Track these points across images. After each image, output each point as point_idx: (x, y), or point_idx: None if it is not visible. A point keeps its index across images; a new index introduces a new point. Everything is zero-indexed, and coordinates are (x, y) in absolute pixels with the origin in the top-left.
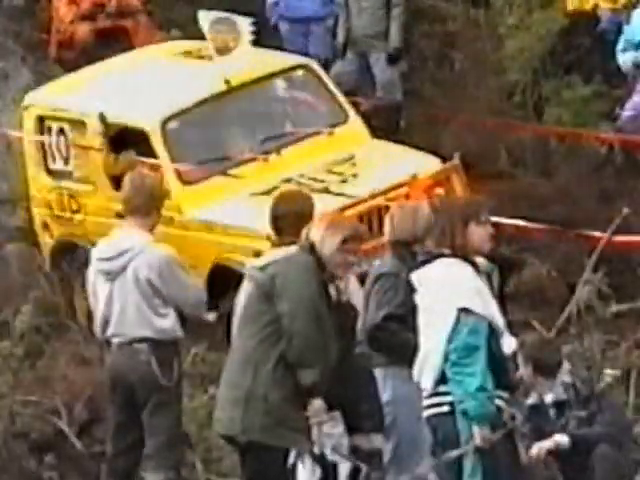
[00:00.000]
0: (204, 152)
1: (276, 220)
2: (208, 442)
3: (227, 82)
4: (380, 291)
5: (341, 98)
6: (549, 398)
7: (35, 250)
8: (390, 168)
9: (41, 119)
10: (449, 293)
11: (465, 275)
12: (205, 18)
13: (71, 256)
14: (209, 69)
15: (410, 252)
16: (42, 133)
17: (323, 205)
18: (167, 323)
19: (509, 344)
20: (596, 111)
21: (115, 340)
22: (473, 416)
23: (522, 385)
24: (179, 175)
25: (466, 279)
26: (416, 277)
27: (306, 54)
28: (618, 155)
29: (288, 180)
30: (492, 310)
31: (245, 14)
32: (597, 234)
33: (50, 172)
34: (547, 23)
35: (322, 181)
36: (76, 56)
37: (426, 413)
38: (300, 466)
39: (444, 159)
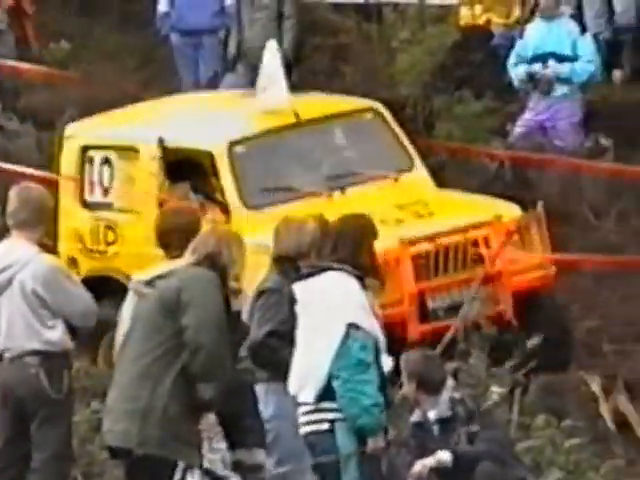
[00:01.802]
0: (268, 180)
1: (163, 235)
2: (90, 456)
3: (296, 115)
4: (263, 307)
5: (407, 144)
6: (432, 415)
7: None
8: (469, 210)
9: (84, 149)
10: (337, 307)
11: (353, 290)
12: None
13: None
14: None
15: (294, 267)
16: (84, 164)
17: (398, 236)
18: (55, 335)
19: (387, 363)
20: (487, 127)
21: (6, 354)
22: (369, 431)
23: (406, 402)
24: (242, 199)
25: (354, 294)
26: (300, 289)
27: (196, 66)
28: (508, 171)
29: None
30: (376, 327)
31: (136, 25)
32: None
33: (86, 204)
34: (439, 38)
35: (395, 216)
36: None
37: (304, 430)
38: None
39: None
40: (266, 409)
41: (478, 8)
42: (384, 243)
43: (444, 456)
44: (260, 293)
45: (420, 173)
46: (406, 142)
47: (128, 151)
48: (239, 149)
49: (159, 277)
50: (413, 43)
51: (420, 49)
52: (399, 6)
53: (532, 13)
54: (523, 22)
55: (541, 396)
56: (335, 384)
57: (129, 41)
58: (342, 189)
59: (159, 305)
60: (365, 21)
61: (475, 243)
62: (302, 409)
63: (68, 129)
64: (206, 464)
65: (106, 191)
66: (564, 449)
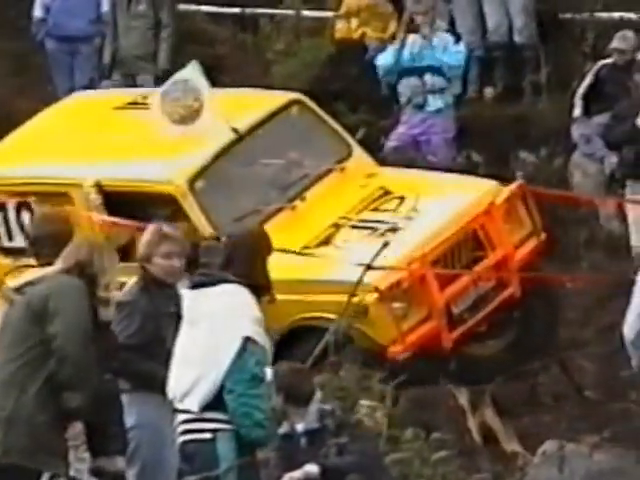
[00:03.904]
0: (235, 208)
1: (35, 241)
2: None
3: (235, 130)
4: (116, 320)
5: (338, 128)
6: (300, 427)
7: None
8: (449, 198)
9: None
10: (233, 320)
11: (250, 303)
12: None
13: None
14: (204, 122)
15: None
16: None
17: (407, 245)
18: None
19: (268, 374)
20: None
21: None
22: (262, 443)
23: (275, 414)
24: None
25: (251, 308)
26: (191, 297)
27: (72, 73)
28: None
29: (336, 225)
30: (266, 340)
31: (11, 31)
32: None
33: (7, 251)
34: (315, 50)
35: (380, 222)
36: None
37: (183, 438)
38: None
39: None
40: (128, 419)
41: (354, 22)
42: (399, 262)
43: (312, 469)
44: (117, 305)
45: (360, 155)
46: (336, 126)
47: (53, 196)
48: (200, 184)
49: (29, 284)
50: (288, 55)
51: (295, 61)
52: (275, 17)
53: (409, 30)
54: (403, 36)
55: (410, 409)
56: (227, 397)
57: (3, 47)
58: (301, 197)
59: (27, 312)
60: (241, 32)
61: (474, 233)
62: (182, 417)
63: None
64: (72, 473)
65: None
66: (432, 462)
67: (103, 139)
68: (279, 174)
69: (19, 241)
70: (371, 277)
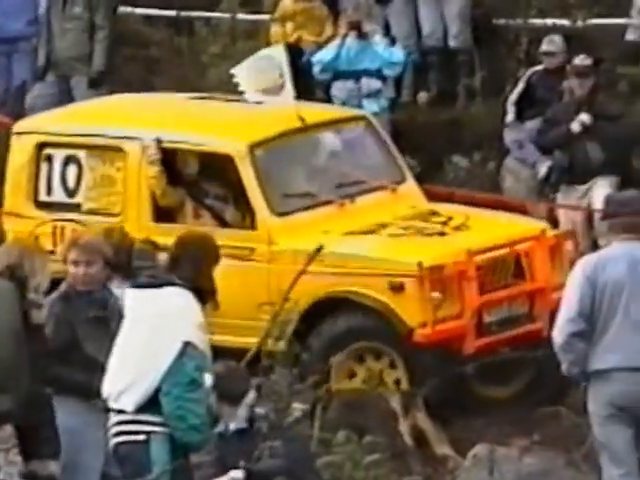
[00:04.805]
0: (288, 186)
1: None
2: None
3: (302, 119)
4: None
5: (397, 155)
6: (232, 426)
7: None
8: (502, 224)
9: (40, 147)
10: (175, 323)
11: (193, 308)
12: (241, 69)
13: None
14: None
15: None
16: (38, 162)
17: (453, 246)
18: None
19: (208, 380)
20: None
21: None
22: (195, 448)
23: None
24: (270, 206)
25: (193, 312)
26: (134, 297)
27: (9, 74)
28: None
29: (384, 225)
30: (207, 346)
31: None
32: None
33: (43, 205)
34: (250, 54)
35: (430, 227)
36: None
37: (116, 440)
38: None
39: None
40: None
41: (289, 25)
42: (444, 252)
43: (237, 475)
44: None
45: (413, 185)
46: (396, 153)
47: (106, 150)
48: (260, 152)
49: None
50: (224, 58)
51: (231, 64)
52: (211, 20)
53: (347, 33)
54: (342, 39)
55: (342, 412)
56: (164, 400)
57: None
58: (351, 198)
59: None
60: (177, 34)
61: (517, 257)
62: (116, 418)
63: (18, 126)
64: (2, 476)
65: (72, 192)
66: (363, 465)
67: (171, 114)
68: (336, 171)
69: (57, 195)
70: (415, 258)
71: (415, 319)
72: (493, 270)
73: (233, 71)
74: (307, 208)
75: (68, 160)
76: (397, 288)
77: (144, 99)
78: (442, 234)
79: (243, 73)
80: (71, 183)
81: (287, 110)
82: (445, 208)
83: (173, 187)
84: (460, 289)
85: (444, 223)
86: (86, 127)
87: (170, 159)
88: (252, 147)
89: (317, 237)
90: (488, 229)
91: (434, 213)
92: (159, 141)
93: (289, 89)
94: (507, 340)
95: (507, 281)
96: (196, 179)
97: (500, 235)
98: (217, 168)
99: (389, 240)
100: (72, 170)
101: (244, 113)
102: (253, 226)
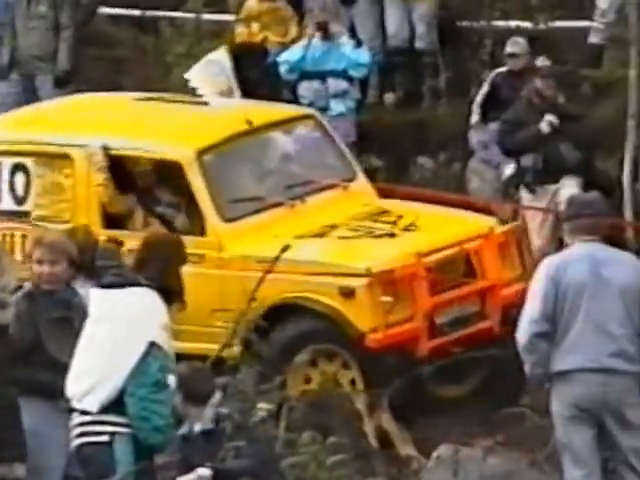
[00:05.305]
0: (236, 191)
1: None
2: None
3: (249, 122)
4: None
5: (347, 153)
6: (198, 427)
7: None
8: (451, 223)
9: None
10: (140, 324)
11: (159, 309)
12: (194, 73)
13: None
14: (220, 109)
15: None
16: None
17: (402, 249)
18: None
19: (172, 382)
20: None
21: None
22: (159, 449)
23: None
24: (219, 212)
25: (159, 313)
26: (99, 296)
27: None
28: None
29: (334, 226)
30: (171, 347)
31: None
32: None
33: None
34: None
35: (379, 228)
36: None
37: (79, 441)
38: None
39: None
40: None
41: (255, 26)
42: (394, 256)
43: (204, 472)
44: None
45: (364, 182)
46: (345, 150)
47: (53, 158)
48: (207, 158)
49: None
50: (189, 58)
51: (196, 64)
52: (176, 20)
53: (313, 34)
54: (309, 40)
55: (308, 413)
56: (128, 400)
57: None
58: (302, 198)
59: None
60: (142, 34)
61: (467, 256)
62: (80, 419)
63: None
64: None
65: (21, 200)
66: (328, 465)
67: (118, 118)
68: (286, 172)
69: (6, 203)
70: (365, 263)
71: (366, 324)
72: (443, 270)
73: (187, 76)
74: (256, 212)
75: (16, 168)
76: (347, 294)
77: (91, 103)
78: (392, 235)
79: (197, 78)
80: (20, 191)
81: (235, 113)
82: (395, 206)
83: (123, 194)
84: (411, 292)
85: (394, 223)
86: (33, 134)
87: (120, 165)
88: (200, 153)
89: (267, 241)
90: (437, 228)
91: (384, 212)
92: (106, 148)
93: (235, 92)
94: (460, 340)
95: (457, 281)
96: (146, 185)
97: (449, 234)
98: (166, 174)
99: (339, 243)
100: (20, 178)
101: (192, 117)
102: (203, 232)
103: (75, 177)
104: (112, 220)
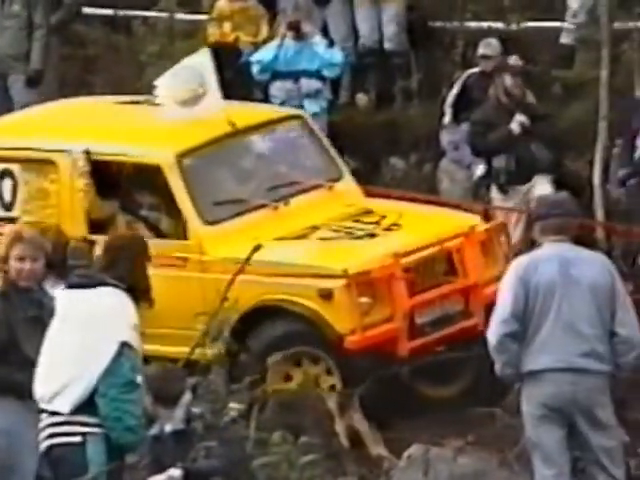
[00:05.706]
0: (218, 193)
1: None
2: None
3: (232, 124)
4: None
5: (334, 153)
6: (168, 428)
7: None
8: (434, 222)
9: None
10: (110, 324)
11: (128, 309)
12: (162, 80)
13: None
14: (206, 107)
15: None
16: None
17: (381, 249)
18: None
19: (139, 380)
20: None
21: None
22: (131, 449)
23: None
24: (200, 215)
25: (128, 313)
26: (66, 297)
27: None
28: None
29: (315, 228)
30: (140, 346)
31: None
32: None
33: None
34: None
35: (361, 229)
36: None
37: (50, 442)
38: None
39: None
40: None
41: (227, 26)
42: (372, 257)
43: (175, 473)
44: None
45: (350, 182)
46: (332, 151)
47: (38, 163)
48: (188, 161)
49: None
50: (162, 57)
51: (169, 63)
52: (149, 20)
53: (285, 33)
54: (281, 41)
55: (278, 412)
56: (100, 401)
57: None
58: (285, 200)
59: None
60: (114, 33)
61: (449, 254)
62: (50, 420)
63: None
64: None
65: (8, 205)
66: (299, 465)
67: (100, 123)
68: (269, 174)
69: None
70: (342, 264)
71: (344, 326)
72: (423, 270)
73: (156, 82)
74: (239, 214)
75: (3, 174)
76: (326, 295)
77: (76, 108)
78: (372, 235)
79: (166, 84)
80: (7, 196)
81: (218, 115)
82: (380, 205)
83: (106, 198)
84: (389, 292)
85: (376, 223)
86: (19, 140)
87: (103, 170)
88: (180, 156)
89: (248, 244)
90: (419, 228)
91: (368, 212)
92: (88, 153)
93: (215, 94)
94: (442, 339)
95: (438, 280)
96: (129, 190)
97: (430, 234)
98: (148, 178)
99: (318, 245)
100: (7, 184)
101: (174, 119)
102: (185, 236)
103: (60, 183)
104: (97, 225)
